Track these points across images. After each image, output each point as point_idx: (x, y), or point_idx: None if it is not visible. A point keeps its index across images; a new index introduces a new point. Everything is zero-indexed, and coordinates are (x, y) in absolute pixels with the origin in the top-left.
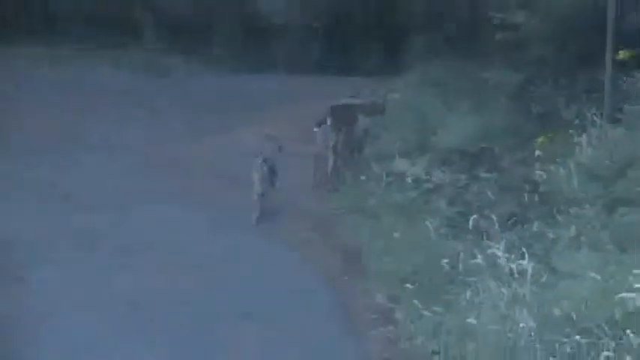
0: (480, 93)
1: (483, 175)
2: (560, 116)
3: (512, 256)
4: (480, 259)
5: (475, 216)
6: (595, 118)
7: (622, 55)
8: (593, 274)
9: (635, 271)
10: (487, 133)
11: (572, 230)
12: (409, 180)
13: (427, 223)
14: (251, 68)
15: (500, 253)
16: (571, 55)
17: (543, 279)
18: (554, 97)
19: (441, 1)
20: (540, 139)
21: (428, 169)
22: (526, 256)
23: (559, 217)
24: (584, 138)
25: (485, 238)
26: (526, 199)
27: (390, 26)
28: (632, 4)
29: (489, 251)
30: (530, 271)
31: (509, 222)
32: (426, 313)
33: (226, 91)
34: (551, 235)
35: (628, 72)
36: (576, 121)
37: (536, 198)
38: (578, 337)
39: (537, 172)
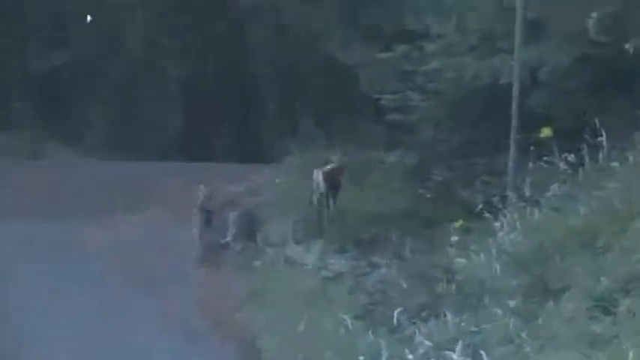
0: (371, 175)
1: (384, 262)
2: (460, 200)
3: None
4: (410, 357)
5: (400, 309)
6: (514, 200)
7: (545, 132)
8: None
9: None
10: (382, 217)
11: (510, 324)
12: (306, 267)
13: (343, 315)
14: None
15: (455, 357)
16: (469, 137)
17: None
18: (451, 181)
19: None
20: (458, 223)
21: (322, 256)
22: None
23: (487, 309)
24: (504, 222)
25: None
26: (440, 288)
27: (279, 109)
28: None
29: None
30: None
31: (422, 314)
32: None
33: (100, 177)
34: (476, 329)
35: (538, 153)
36: (480, 206)
37: (453, 287)
38: None
39: (456, 259)
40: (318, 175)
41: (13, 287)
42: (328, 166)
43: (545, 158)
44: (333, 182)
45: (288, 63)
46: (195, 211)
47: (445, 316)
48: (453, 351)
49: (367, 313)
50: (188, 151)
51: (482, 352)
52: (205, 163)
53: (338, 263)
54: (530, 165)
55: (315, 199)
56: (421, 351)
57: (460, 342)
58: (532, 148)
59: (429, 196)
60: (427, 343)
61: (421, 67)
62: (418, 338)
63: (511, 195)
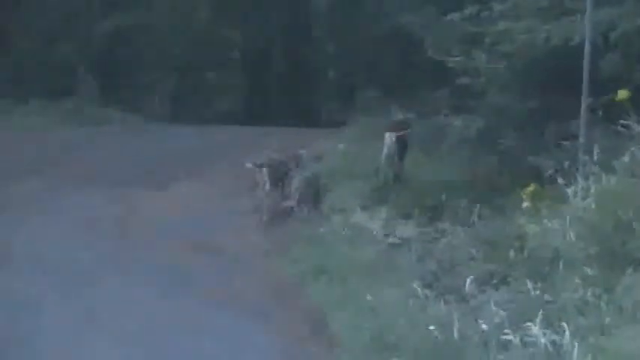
0: (439, 141)
1: (452, 229)
2: (529, 166)
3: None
4: (485, 327)
5: (471, 277)
6: (588, 166)
7: (621, 95)
8: None
9: None
10: (448, 183)
11: (588, 294)
12: (373, 234)
13: (412, 283)
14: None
15: (536, 329)
16: (539, 101)
17: None
18: (520, 146)
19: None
20: (529, 189)
21: (388, 222)
22: (566, 331)
23: (561, 278)
24: (578, 188)
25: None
26: (511, 255)
27: (339, 75)
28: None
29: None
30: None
31: (492, 281)
32: None
33: (163, 142)
34: (550, 299)
35: (612, 117)
36: (551, 171)
37: (525, 255)
38: None
39: (527, 225)
40: (391, 138)
41: None
42: (399, 132)
43: (620, 122)
44: (403, 145)
45: (351, 27)
46: (260, 175)
47: (517, 284)
48: (530, 321)
49: (436, 280)
50: (251, 115)
51: (564, 324)
52: (268, 128)
53: (404, 230)
54: (604, 129)
55: (384, 164)
56: (496, 321)
57: (540, 312)
58: (606, 112)
59: (497, 161)
60: (502, 312)
61: (490, 29)
62: (491, 307)
63: (584, 160)
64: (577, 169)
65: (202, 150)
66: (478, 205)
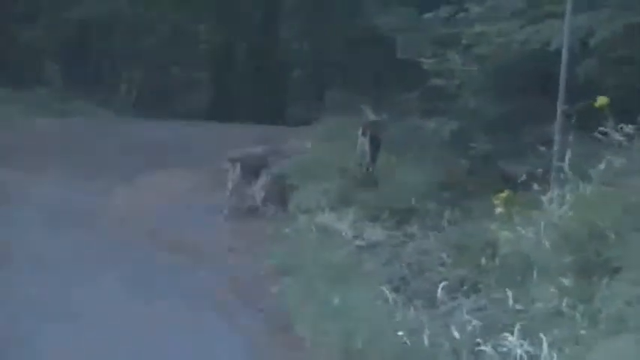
0: (408, 143)
1: (421, 233)
2: (502, 171)
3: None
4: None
5: (444, 283)
6: (563, 173)
7: (600, 101)
8: None
9: None
10: (418, 187)
11: (563, 304)
12: (341, 236)
13: (380, 287)
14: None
15: (512, 338)
16: (514, 106)
17: None
18: (493, 151)
19: (366, 45)
20: (503, 195)
21: (356, 224)
22: (544, 342)
23: (535, 286)
24: (554, 195)
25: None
26: (482, 261)
27: (310, 74)
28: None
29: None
30: None
31: (463, 288)
32: None
33: (128, 136)
34: (522, 308)
35: (589, 124)
36: (524, 177)
37: (496, 261)
38: None
39: (499, 232)
40: (364, 138)
41: None
42: (373, 132)
43: (600, 129)
44: (376, 146)
45: (323, 27)
46: (230, 170)
47: (488, 291)
48: (503, 331)
49: (405, 285)
50: (217, 112)
51: (541, 335)
52: (234, 125)
53: (373, 232)
54: (581, 136)
55: (355, 164)
56: (468, 329)
57: (517, 322)
58: (581, 118)
59: (469, 166)
60: (475, 321)
61: (466, 31)
62: (463, 315)
63: (559, 167)
64: (551, 176)
65: (175, 144)
66: (448, 209)
